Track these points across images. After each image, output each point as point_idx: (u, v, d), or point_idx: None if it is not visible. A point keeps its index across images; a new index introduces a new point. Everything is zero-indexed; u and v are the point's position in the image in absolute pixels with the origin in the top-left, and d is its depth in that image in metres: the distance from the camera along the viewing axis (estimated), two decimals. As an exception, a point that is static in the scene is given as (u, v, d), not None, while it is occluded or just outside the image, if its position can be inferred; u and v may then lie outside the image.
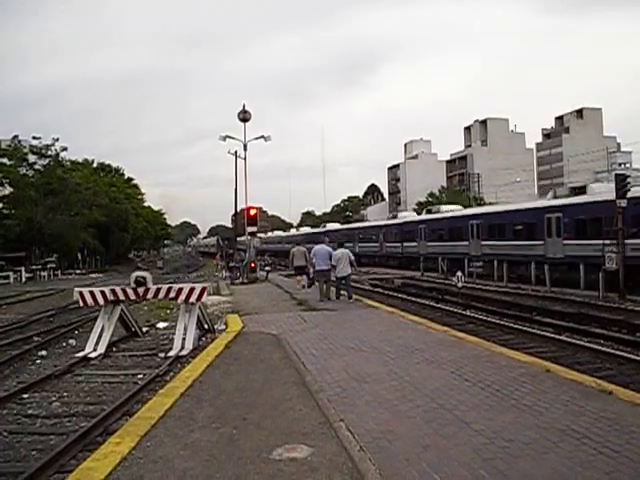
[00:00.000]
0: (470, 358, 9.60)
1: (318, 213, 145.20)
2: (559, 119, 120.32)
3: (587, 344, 13.52)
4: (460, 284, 24.00)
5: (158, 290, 13.15)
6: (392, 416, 6.52)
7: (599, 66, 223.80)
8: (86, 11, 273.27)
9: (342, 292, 19.96)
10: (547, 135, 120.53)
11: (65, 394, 9.53)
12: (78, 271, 62.29)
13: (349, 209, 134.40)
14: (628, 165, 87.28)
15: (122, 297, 13.11)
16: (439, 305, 22.05)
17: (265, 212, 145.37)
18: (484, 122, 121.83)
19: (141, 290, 12.96)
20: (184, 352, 12.14)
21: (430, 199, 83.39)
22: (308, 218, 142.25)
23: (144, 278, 13.02)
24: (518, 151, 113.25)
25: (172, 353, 12.11)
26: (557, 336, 14.69)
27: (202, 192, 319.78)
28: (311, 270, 22.68)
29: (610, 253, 24.20)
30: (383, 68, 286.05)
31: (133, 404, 8.47)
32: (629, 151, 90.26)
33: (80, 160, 74.96)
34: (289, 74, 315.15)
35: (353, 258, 20.14)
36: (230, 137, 36.20)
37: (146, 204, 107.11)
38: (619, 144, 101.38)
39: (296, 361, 9.76)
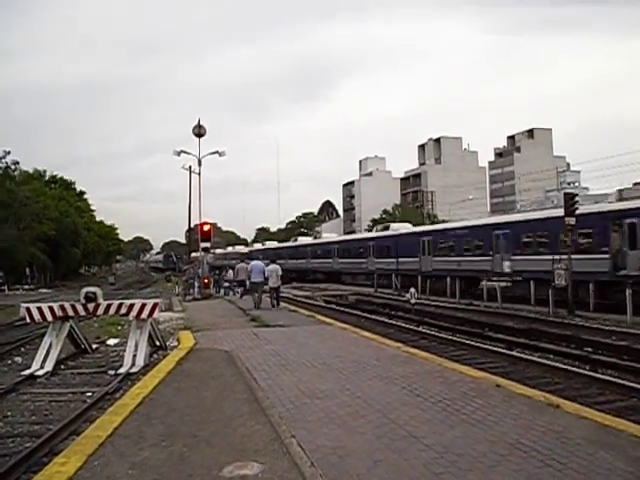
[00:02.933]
0: (422, 374, 9.67)
1: (273, 229, 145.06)
2: (511, 138, 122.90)
3: (537, 359, 13.75)
4: (413, 300, 24.21)
5: (109, 306, 12.91)
6: (344, 432, 6.51)
7: (549, 86, 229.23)
8: (34, 15, 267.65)
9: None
10: (499, 154, 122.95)
11: (9, 414, 9.22)
12: (26, 286, 60.52)
13: (304, 225, 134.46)
14: (577, 184, 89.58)
15: (71, 313, 12.81)
16: (392, 321, 22.16)
17: (219, 228, 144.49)
18: (438, 140, 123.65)
19: (91, 306, 12.70)
20: (135, 369, 11.92)
21: (384, 216, 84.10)
22: (262, 234, 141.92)
23: (94, 294, 12.76)
24: (471, 169, 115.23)
25: (122, 370, 11.87)
26: (508, 351, 14.92)
27: (156, 207, 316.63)
28: (247, 282, 25.92)
29: (559, 270, 24.69)
30: (340, 83, 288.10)
31: (81, 423, 8.24)
32: (578, 170, 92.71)
33: (31, 171, 73.61)
34: (246, 87, 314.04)
35: (281, 273, 24.22)
36: (185, 152, 36.07)
37: (98, 218, 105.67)
38: (568, 164, 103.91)
39: (248, 378, 9.67)
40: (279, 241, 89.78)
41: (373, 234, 49.81)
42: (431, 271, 37.10)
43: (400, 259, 41.45)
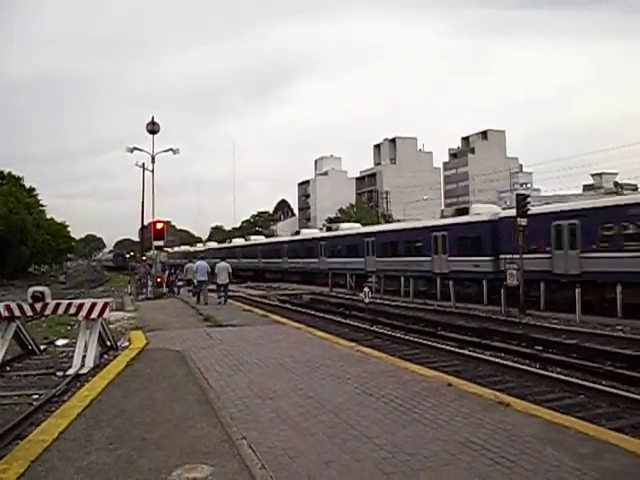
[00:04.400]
0: (375, 373, 9.68)
1: (228, 228, 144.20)
2: (465, 139, 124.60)
3: (489, 358, 13.92)
4: (367, 300, 24.28)
5: (57, 306, 12.69)
6: (295, 433, 6.46)
7: (502, 89, 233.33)
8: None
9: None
10: (454, 155, 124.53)
11: (-51, 418, 8.93)
12: (-29, 286, 59.06)
13: (259, 224, 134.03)
14: (529, 185, 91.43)
15: (17, 313, 12.49)
16: (347, 321, 22.17)
17: (174, 226, 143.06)
18: (393, 141, 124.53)
19: (39, 306, 12.43)
20: (84, 370, 11.67)
21: (340, 215, 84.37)
22: (217, 233, 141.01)
23: (42, 293, 12.53)
24: (426, 169, 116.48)
25: (71, 371, 11.62)
26: (460, 350, 15.05)
27: (109, 205, 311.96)
28: (195, 281, 27.18)
29: (511, 270, 25.06)
30: (297, 83, 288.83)
31: (26, 427, 7.98)
32: (530, 172, 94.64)
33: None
34: (203, 86, 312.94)
35: (231, 271, 26.12)
36: (138, 149, 35.52)
37: (49, 216, 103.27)
38: (521, 165, 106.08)
39: (200, 378, 9.56)
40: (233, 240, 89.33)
41: (324, 234, 50.00)
42: (374, 271, 37.77)
43: (349, 259, 42.08)
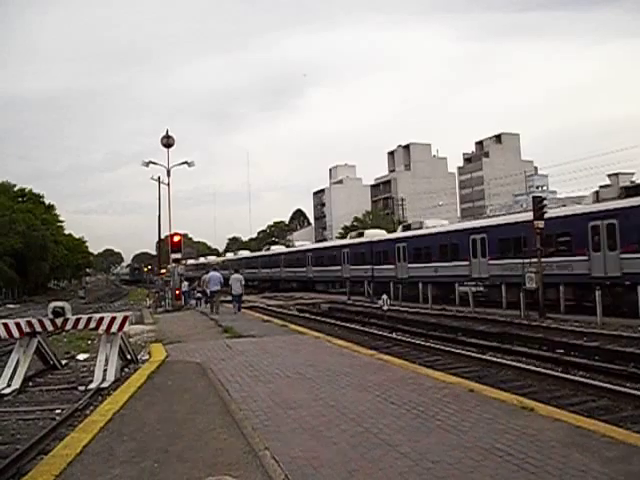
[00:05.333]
0: (396, 381, 9.63)
1: (244, 239, 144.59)
2: (479, 144, 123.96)
3: (510, 362, 13.78)
4: (386, 307, 24.21)
5: (77, 320, 12.71)
6: (318, 442, 6.44)
7: (515, 92, 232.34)
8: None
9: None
10: (468, 159, 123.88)
11: (-25, 434, 9.00)
12: (-7, 302, 59.58)
13: (275, 234, 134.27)
14: (545, 187, 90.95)
15: (39, 328, 12.56)
16: (365, 329, 22.12)
17: (190, 238, 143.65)
18: (407, 147, 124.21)
19: (59, 321, 12.49)
20: (105, 384, 11.72)
21: (355, 223, 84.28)
22: (234, 244, 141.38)
23: (62, 308, 12.57)
24: (440, 175, 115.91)
25: (93, 385, 11.66)
26: (481, 355, 14.96)
27: (126, 218, 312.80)
28: (207, 291, 28.85)
29: (530, 273, 24.92)
30: (310, 92, 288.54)
31: (49, 442, 8.03)
32: (545, 174, 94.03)
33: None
34: (215, 97, 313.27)
35: (244, 282, 27.92)
36: (153, 163, 35.82)
37: (67, 232, 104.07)
38: (536, 168, 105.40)
39: (221, 390, 9.56)
40: (251, 250, 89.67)
41: (347, 241, 49.65)
42: (406, 278, 37.17)
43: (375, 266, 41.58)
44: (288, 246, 77.35)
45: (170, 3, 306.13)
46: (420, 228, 34.92)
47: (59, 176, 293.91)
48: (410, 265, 36.98)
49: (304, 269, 55.14)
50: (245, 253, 78.78)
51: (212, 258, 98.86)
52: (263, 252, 73.22)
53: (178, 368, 12.17)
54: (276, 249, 70.22)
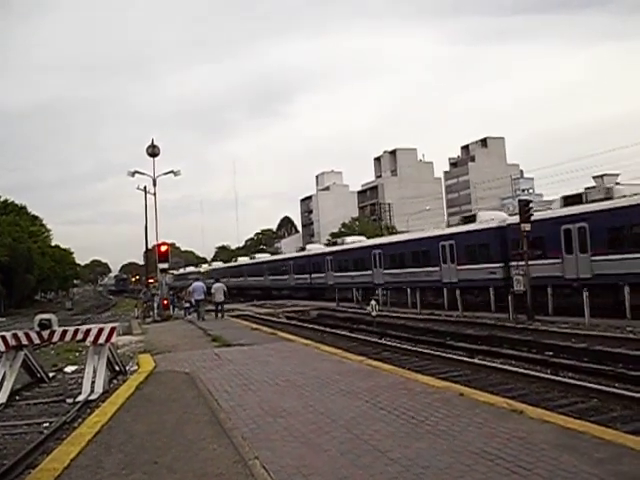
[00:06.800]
0: (385, 386, 9.62)
1: (232, 247, 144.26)
2: (465, 148, 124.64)
3: (499, 365, 13.82)
4: (374, 312, 24.20)
5: (64, 332, 12.64)
6: (308, 450, 6.41)
7: (499, 95, 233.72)
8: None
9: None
10: (454, 164, 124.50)
11: (-39, 449, 8.88)
12: (-22, 316, 58.96)
13: (263, 242, 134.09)
14: (531, 190, 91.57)
15: (25, 341, 12.46)
16: (355, 335, 22.09)
17: (178, 248, 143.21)
18: (393, 152, 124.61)
19: (46, 333, 12.39)
20: (94, 396, 11.60)
21: (343, 230, 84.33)
22: (222, 252, 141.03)
23: (49, 320, 12.49)
24: (427, 180, 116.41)
25: (81, 398, 11.55)
26: (470, 359, 14.97)
27: (113, 229, 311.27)
28: (192, 300, 31.11)
29: (517, 276, 24.99)
30: (295, 98, 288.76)
31: (37, 456, 7.93)
32: (531, 177, 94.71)
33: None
34: (201, 106, 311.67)
35: (226, 290, 30.50)
36: (139, 172, 35.62)
37: (53, 243, 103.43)
38: (522, 171, 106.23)
39: (210, 399, 9.51)
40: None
41: (328, 249, 49.90)
42: (383, 283, 37.75)
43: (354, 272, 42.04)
44: (274, 254, 77.48)
45: (159, 12, 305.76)
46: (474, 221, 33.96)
47: (49, 186, 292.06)
48: (385, 271, 38.01)
49: (286, 277, 55.60)
50: (245, 259, 78.61)
51: (191, 268, 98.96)
52: (248, 260, 73.24)
53: (167, 378, 12.10)
54: (260, 257, 70.41)
